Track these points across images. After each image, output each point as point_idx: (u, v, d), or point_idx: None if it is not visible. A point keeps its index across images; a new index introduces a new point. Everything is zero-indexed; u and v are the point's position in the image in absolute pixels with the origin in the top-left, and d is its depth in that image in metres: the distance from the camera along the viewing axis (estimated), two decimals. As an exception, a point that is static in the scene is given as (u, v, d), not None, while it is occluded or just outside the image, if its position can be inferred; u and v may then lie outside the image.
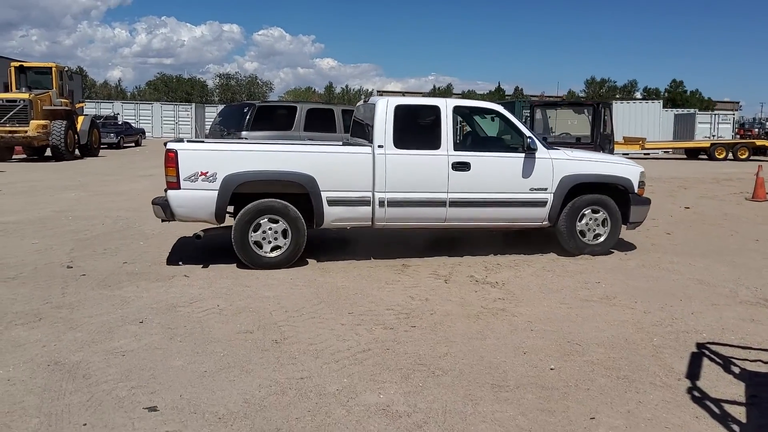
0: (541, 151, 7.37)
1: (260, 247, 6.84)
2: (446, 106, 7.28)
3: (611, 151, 15.33)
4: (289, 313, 5.41)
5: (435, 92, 79.06)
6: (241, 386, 3.94)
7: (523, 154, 7.32)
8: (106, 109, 43.22)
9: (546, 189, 7.39)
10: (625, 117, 37.96)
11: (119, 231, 9.11)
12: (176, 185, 6.64)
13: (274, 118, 13.70)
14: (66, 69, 24.33)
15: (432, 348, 4.62)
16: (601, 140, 14.39)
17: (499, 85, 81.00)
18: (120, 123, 34.88)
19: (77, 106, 25.08)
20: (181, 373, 4.12)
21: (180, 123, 45.90)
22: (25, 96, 21.45)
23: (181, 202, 6.68)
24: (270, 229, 6.85)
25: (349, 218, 7.10)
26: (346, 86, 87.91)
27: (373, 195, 7.01)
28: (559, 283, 6.49)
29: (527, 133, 7.39)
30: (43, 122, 21.40)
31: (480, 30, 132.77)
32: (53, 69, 23.06)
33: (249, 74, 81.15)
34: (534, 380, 4.11)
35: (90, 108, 35.68)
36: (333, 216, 7.00)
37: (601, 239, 7.69)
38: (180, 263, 7.07)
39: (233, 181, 6.65)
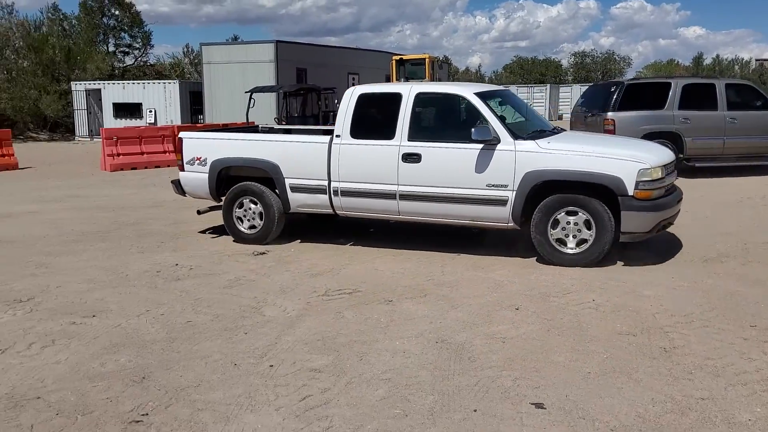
0: (505, 142, 6.38)
1: (242, 224, 7.59)
2: (408, 93, 6.87)
3: None
4: (676, 317, 4.84)
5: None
6: (630, 396, 3.60)
7: (480, 146, 6.41)
8: (467, 94, 46.02)
9: (506, 186, 6.39)
10: None
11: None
12: (182, 168, 7.82)
13: (644, 97, 12.79)
14: (437, 59, 26.46)
15: None
16: None
17: None
18: (480, 107, 36.75)
19: (445, 92, 27.09)
20: (564, 370, 3.96)
21: (534, 104, 46.33)
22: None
23: (185, 182, 7.87)
24: (250, 209, 7.50)
25: (312, 205, 7.33)
26: (717, 56, 77.79)
27: (329, 184, 7.09)
28: None
29: (492, 121, 6.46)
30: (417, 109, 23.67)
31: None
32: (426, 60, 25.30)
33: (605, 50, 77.89)
34: None
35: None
36: (297, 202, 7.33)
37: (581, 248, 6.23)
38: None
39: (217, 165, 7.55)
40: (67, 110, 31.19)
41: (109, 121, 28.46)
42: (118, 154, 16.16)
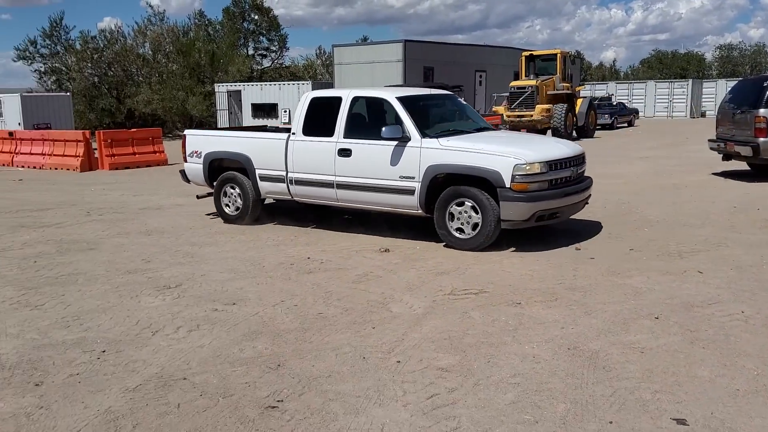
0: (414, 140, 7.28)
1: (226, 206, 8.98)
2: (347, 97, 7.90)
3: None
4: (842, 336, 4.35)
5: None
6: (787, 420, 3.29)
7: (395, 143, 7.31)
8: (600, 90, 44.01)
9: (414, 177, 7.28)
10: None
11: (622, 215, 9.01)
12: (185, 159, 9.37)
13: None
14: (569, 54, 25.54)
15: None
16: None
17: None
18: (615, 104, 35.04)
19: (576, 89, 26.11)
20: (709, 386, 3.69)
21: (674, 101, 43.49)
22: (533, 83, 23.36)
23: (188, 171, 9.42)
24: (232, 194, 8.87)
25: (276, 192, 8.55)
26: None
27: (286, 174, 8.24)
28: None
29: (405, 121, 7.36)
30: (546, 106, 22.98)
31: None
32: (558, 55, 24.47)
33: (754, 43, 71.58)
34: None
35: (585, 90, 36.86)
36: (265, 189, 8.60)
37: (471, 234, 7.06)
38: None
39: (208, 157, 9.04)
40: (211, 110, 33.42)
41: (248, 121, 30.18)
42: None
